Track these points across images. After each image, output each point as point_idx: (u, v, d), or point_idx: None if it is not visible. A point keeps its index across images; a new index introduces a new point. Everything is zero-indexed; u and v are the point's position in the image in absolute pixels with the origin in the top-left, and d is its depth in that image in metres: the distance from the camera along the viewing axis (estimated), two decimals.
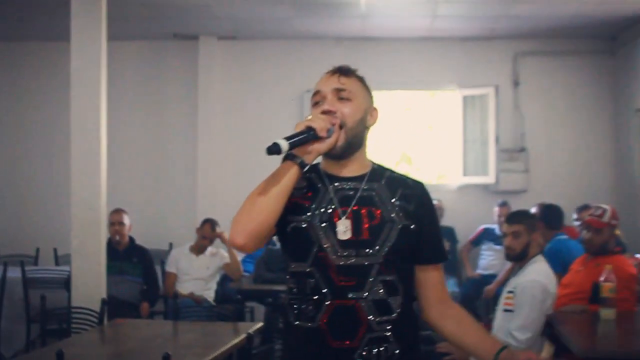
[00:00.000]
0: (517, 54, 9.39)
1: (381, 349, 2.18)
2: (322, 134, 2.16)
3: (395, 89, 9.67)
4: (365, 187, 2.28)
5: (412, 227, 2.26)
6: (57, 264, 8.21)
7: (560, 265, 5.41)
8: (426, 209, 2.34)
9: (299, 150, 2.16)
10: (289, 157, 2.17)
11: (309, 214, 2.23)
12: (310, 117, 2.21)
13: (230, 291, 7.41)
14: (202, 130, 9.26)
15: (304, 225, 2.22)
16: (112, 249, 6.56)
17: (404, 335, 2.23)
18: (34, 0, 7.42)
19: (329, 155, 2.27)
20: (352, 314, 2.17)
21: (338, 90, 2.27)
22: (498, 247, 7.64)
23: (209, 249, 7.13)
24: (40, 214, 9.13)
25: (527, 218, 4.90)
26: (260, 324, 5.06)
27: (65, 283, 6.20)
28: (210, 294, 7.05)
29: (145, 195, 9.20)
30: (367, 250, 2.19)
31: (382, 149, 10.26)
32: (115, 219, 6.80)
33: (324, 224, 2.21)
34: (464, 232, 8.55)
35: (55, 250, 8.41)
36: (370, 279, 2.18)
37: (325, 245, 2.19)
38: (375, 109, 2.38)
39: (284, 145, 2.08)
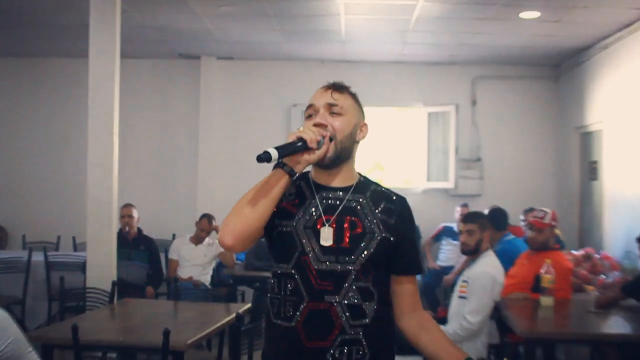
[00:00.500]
0: (474, 78, 9.44)
1: (352, 350, 2.04)
2: (312, 145, 2.03)
3: (370, 105, 9.57)
4: (349, 198, 2.14)
5: (391, 239, 2.11)
6: (75, 250, 8.18)
7: (511, 263, 5.45)
8: (406, 223, 2.19)
9: (289, 159, 2.05)
10: (279, 166, 2.06)
11: (295, 219, 2.10)
12: (301, 129, 2.06)
13: (224, 276, 7.42)
14: (202, 136, 9.26)
15: (289, 230, 2.10)
16: (123, 238, 6.55)
17: (376, 339, 2.09)
18: (57, 22, 7.38)
19: (318, 164, 2.14)
20: (327, 316, 2.03)
21: (330, 105, 2.13)
22: (455, 242, 7.68)
23: (206, 240, 7.12)
24: (61, 207, 9.07)
25: (479, 218, 4.93)
26: (248, 305, 5.06)
27: (82, 267, 6.18)
28: (207, 279, 7.04)
29: (151, 193, 9.17)
30: (346, 257, 2.06)
31: (358, 157, 10.25)
32: (125, 212, 6.80)
33: (308, 230, 2.08)
34: (427, 230, 8.56)
35: (74, 238, 8.37)
36: (346, 285, 2.05)
37: (307, 250, 2.06)
38: (365, 124, 2.23)
39: (274, 154, 1.97)
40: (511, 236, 6.40)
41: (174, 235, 8.35)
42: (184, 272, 6.90)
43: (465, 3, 6.52)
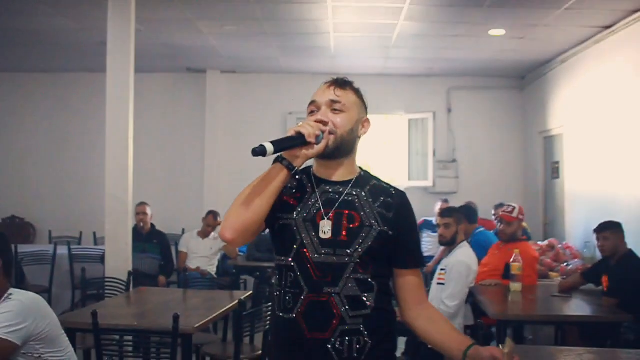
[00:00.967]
0: (449, 88, 9.43)
1: (353, 340, 1.85)
2: (311, 139, 1.84)
3: None
4: (349, 192, 1.95)
5: (389, 233, 1.91)
6: (95, 244, 8.16)
7: (484, 252, 5.44)
8: (405, 217, 1.98)
9: (287, 154, 1.87)
10: (278, 160, 1.88)
11: (295, 212, 1.92)
12: (301, 124, 1.88)
13: (228, 267, 7.37)
14: (208, 141, 9.23)
15: (289, 223, 1.92)
16: (138, 233, 6.51)
17: (377, 329, 1.89)
18: (77, 40, 7.34)
19: (319, 155, 1.93)
20: (326, 307, 1.85)
21: (332, 102, 1.94)
22: (434, 234, 7.66)
23: (212, 234, 7.07)
24: (83, 206, 9.03)
25: (455, 213, 4.92)
26: (250, 292, 5.03)
27: (101, 259, 6.14)
28: (212, 269, 7.00)
29: (163, 192, 9.12)
30: (344, 250, 1.87)
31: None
32: (140, 210, 6.76)
33: (307, 223, 1.90)
34: None
35: (94, 233, 8.35)
36: (345, 276, 1.86)
37: (306, 242, 1.89)
38: (367, 120, 2.02)
39: (269, 147, 1.79)
40: (482, 228, 6.42)
41: (183, 230, 8.31)
42: (192, 263, 6.85)
43: (440, 22, 6.52)
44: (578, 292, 4.81)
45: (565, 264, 6.20)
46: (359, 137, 2.00)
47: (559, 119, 7.94)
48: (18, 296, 2.38)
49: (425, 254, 8.13)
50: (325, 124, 1.90)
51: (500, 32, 6.74)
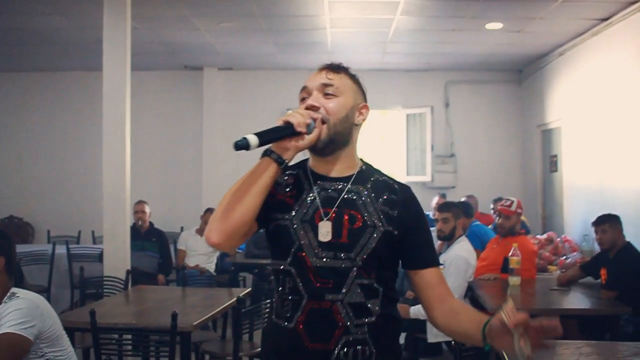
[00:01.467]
0: (447, 83, 9.42)
1: (358, 350, 1.68)
2: (301, 129, 1.65)
3: None
4: (349, 190, 1.75)
5: (395, 233, 1.72)
6: (94, 242, 8.16)
7: (480, 243, 5.45)
8: (412, 214, 1.78)
9: (276, 146, 1.68)
10: (266, 154, 1.69)
11: (292, 213, 1.73)
12: (289, 112, 1.69)
13: (227, 264, 7.38)
14: (206, 138, 9.22)
15: (285, 224, 1.73)
16: (136, 231, 6.51)
17: (382, 337, 1.72)
18: (73, 38, 7.33)
19: (313, 151, 1.76)
20: (329, 316, 1.67)
21: (324, 86, 1.74)
22: (432, 229, 7.66)
23: None
24: (81, 205, 9.02)
25: (453, 207, 4.93)
26: (249, 289, 5.04)
27: (99, 257, 6.15)
28: (211, 266, 7.01)
29: (161, 190, 9.12)
30: (346, 253, 1.68)
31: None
32: (138, 208, 6.77)
33: (305, 224, 1.71)
34: None
35: (92, 232, 8.36)
36: (348, 282, 1.68)
37: (304, 246, 1.70)
38: (365, 106, 1.81)
39: (253, 140, 1.59)
40: (478, 222, 6.45)
41: (182, 228, 8.31)
42: (191, 261, 6.86)
43: (436, 16, 6.51)
44: (577, 285, 4.82)
45: (564, 257, 6.21)
46: (357, 125, 1.80)
47: (557, 112, 7.94)
48: (25, 295, 2.39)
49: None
50: (316, 109, 1.71)
51: (498, 25, 6.74)
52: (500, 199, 6.40)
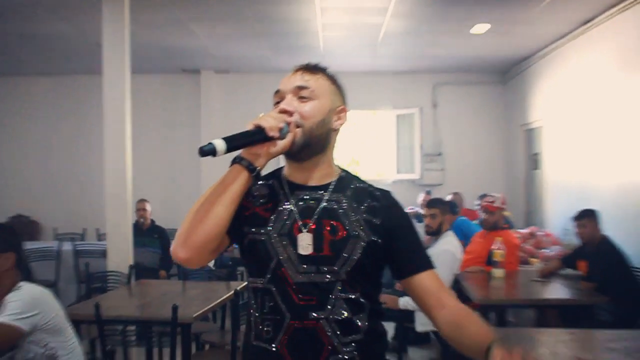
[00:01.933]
0: (435, 84, 9.48)
1: None
2: (273, 133, 1.45)
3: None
4: (329, 199, 1.55)
5: (379, 242, 1.52)
6: (98, 239, 8.16)
7: (463, 236, 5.50)
8: (395, 220, 1.58)
9: (246, 152, 1.48)
10: (236, 160, 1.49)
11: (268, 226, 1.52)
12: (261, 115, 1.49)
13: (225, 259, 7.40)
14: (204, 138, 9.18)
15: (262, 239, 1.51)
16: (138, 228, 6.53)
17: (371, 355, 1.53)
18: (74, 43, 7.34)
19: (288, 156, 1.56)
20: (314, 335, 1.47)
21: (299, 89, 1.55)
22: (420, 224, 7.71)
23: None
24: (86, 204, 9.05)
25: (441, 204, 4.96)
26: (245, 283, 4.97)
27: (103, 253, 6.16)
28: (210, 262, 7.02)
29: (161, 189, 9.15)
30: (329, 267, 1.48)
31: (336, 153, 10.28)
32: (140, 206, 6.77)
33: (283, 238, 1.50)
34: None
35: (97, 229, 8.39)
36: (332, 298, 1.48)
37: (283, 261, 1.49)
38: (343, 109, 1.62)
39: (220, 146, 1.39)
40: (463, 217, 6.52)
41: None
42: None
43: (424, 21, 6.55)
44: (557, 276, 4.88)
45: (545, 251, 6.27)
46: (335, 130, 1.60)
47: (539, 112, 8.00)
48: (27, 288, 2.43)
49: None
50: (290, 114, 1.52)
51: (482, 29, 6.77)
52: (485, 196, 6.42)
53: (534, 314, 5.10)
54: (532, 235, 6.71)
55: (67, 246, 7.08)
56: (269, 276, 1.50)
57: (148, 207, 6.83)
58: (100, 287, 5.34)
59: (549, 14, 6.17)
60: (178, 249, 1.45)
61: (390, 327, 4.94)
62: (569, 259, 4.92)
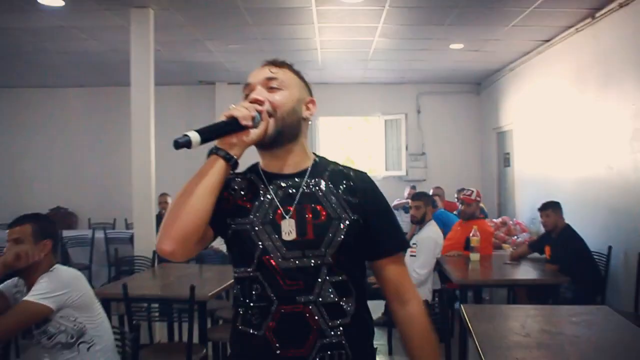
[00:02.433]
0: (419, 93, 9.44)
1: (334, 355, 1.32)
2: (246, 122, 1.30)
3: (342, 115, 9.67)
4: (307, 184, 1.39)
5: (360, 221, 1.37)
6: (126, 228, 8.15)
7: (443, 225, 5.48)
8: (371, 198, 1.42)
9: (221, 142, 1.33)
10: (212, 151, 1.35)
11: (250, 216, 1.36)
12: (233, 106, 1.34)
13: None
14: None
15: (245, 228, 1.35)
16: (161, 218, 6.47)
17: (358, 339, 1.37)
18: (106, 59, 7.29)
19: (261, 147, 1.40)
20: (301, 319, 1.31)
21: (268, 80, 1.40)
22: (406, 214, 7.70)
23: None
24: (116, 197, 8.98)
25: (424, 197, 4.94)
26: None
27: (131, 240, 6.14)
28: (224, 247, 6.99)
29: (181, 184, 9.02)
30: (314, 250, 1.32)
31: (332, 154, 10.27)
32: (162, 199, 6.77)
33: (266, 226, 1.35)
34: None
35: (125, 219, 8.34)
36: (319, 281, 1.32)
37: (269, 248, 1.33)
38: (312, 101, 1.46)
39: (194, 137, 1.25)
40: (442, 209, 6.49)
41: None
42: None
43: (408, 39, 6.52)
44: (526, 260, 4.85)
45: (515, 237, 6.24)
46: (305, 119, 1.44)
47: (509, 117, 7.97)
48: (59, 270, 2.40)
49: None
50: (261, 103, 1.37)
51: (459, 46, 6.75)
52: (462, 189, 6.42)
53: (506, 292, 5.07)
54: (504, 224, 6.68)
55: (99, 234, 7.07)
56: (255, 264, 1.34)
57: (169, 200, 6.82)
58: (128, 270, 5.31)
59: (514, 35, 6.15)
60: (163, 242, 1.28)
61: (380, 304, 4.90)
62: (536, 245, 4.88)
